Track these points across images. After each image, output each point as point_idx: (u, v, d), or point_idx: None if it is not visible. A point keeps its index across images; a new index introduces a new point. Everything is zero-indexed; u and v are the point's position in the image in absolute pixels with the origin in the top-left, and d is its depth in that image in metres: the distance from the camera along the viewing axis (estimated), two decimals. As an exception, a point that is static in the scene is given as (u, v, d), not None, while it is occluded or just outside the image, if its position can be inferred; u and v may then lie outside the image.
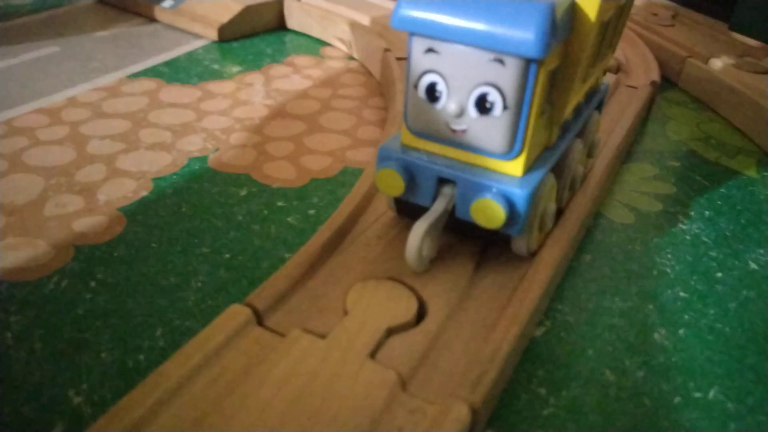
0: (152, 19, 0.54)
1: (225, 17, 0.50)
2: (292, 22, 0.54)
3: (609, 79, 0.41)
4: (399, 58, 0.42)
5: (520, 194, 0.21)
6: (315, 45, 0.52)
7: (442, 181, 0.22)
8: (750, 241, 0.30)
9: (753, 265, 0.28)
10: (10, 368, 0.20)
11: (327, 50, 0.51)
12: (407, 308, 0.21)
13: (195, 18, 0.51)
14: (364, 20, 0.50)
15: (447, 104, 0.21)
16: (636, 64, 0.46)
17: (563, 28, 0.20)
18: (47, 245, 0.26)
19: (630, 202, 0.32)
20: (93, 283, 0.24)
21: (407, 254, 0.22)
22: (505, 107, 0.20)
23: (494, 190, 0.21)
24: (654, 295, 0.26)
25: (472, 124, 0.21)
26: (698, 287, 0.27)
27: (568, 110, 0.23)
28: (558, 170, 0.25)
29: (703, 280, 0.27)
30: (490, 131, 0.21)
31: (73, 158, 0.33)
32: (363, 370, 0.18)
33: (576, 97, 0.24)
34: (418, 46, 0.20)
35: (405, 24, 0.20)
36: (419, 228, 0.21)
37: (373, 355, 0.19)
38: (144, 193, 0.30)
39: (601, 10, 0.21)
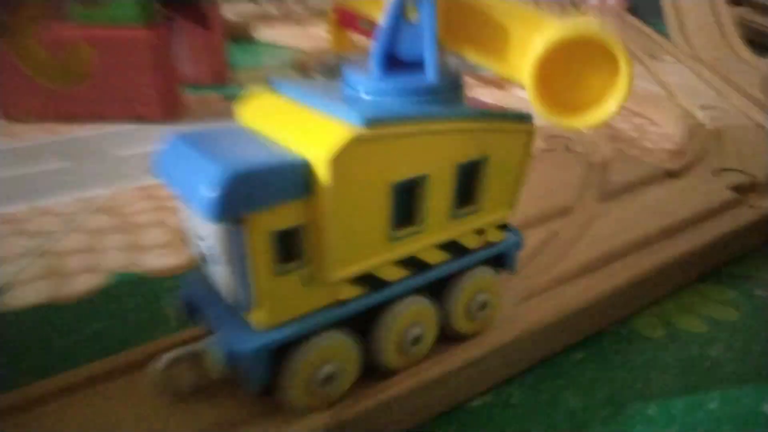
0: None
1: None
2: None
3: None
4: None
5: (240, 349, 0.20)
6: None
7: None
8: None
9: None
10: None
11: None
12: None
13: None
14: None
15: None
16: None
17: (279, 189, 0.18)
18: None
19: (670, 317, 0.32)
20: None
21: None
22: (219, 262, 0.20)
23: (215, 339, 0.21)
24: (615, 403, 0.26)
25: (212, 273, 0.21)
26: (672, 411, 0.26)
27: (342, 270, 0.21)
28: (373, 327, 0.23)
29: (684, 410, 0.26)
30: (222, 283, 0.21)
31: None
32: None
33: (370, 257, 0.22)
34: None
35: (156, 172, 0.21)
36: (167, 355, 0.22)
37: None
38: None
39: (354, 174, 0.19)
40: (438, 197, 0.23)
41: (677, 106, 0.60)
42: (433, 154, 0.22)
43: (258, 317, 0.20)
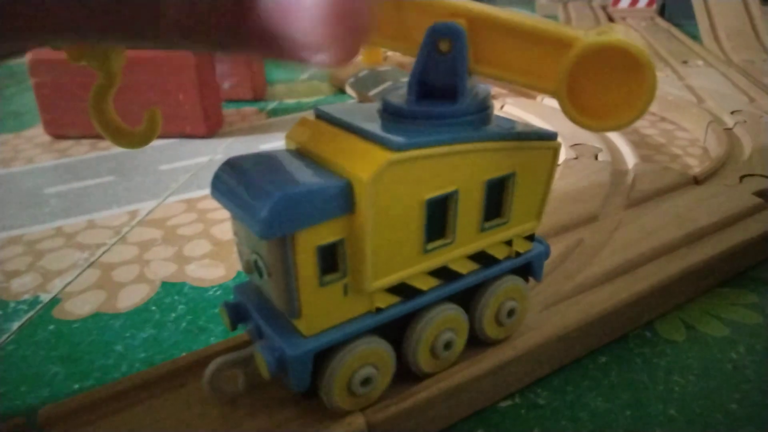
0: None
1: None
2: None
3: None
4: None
5: (288, 353, 0.22)
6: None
7: None
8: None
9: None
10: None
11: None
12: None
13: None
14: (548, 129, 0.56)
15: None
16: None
17: (322, 209, 0.20)
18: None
19: (692, 321, 0.33)
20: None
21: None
22: (269, 273, 0.22)
23: (265, 343, 0.23)
24: (638, 404, 0.27)
25: (262, 283, 0.23)
26: (693, 413, 0.27)
27: (379, 281, 0.23)
28: (407, 333, 0.25)
29: (710, 410, 0.27)
30: (271, 292, 0.23)
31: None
32: None
33: (404, 268, 0.23)
34: None
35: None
36: (216, 361, 0.24)
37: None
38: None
39: (391, 193, 0.21)
40: (468, 211, 0.24)
41: (706, 112, 0.61)
42: (463, 173, 0.23)
43: (304, 324, 0.22)
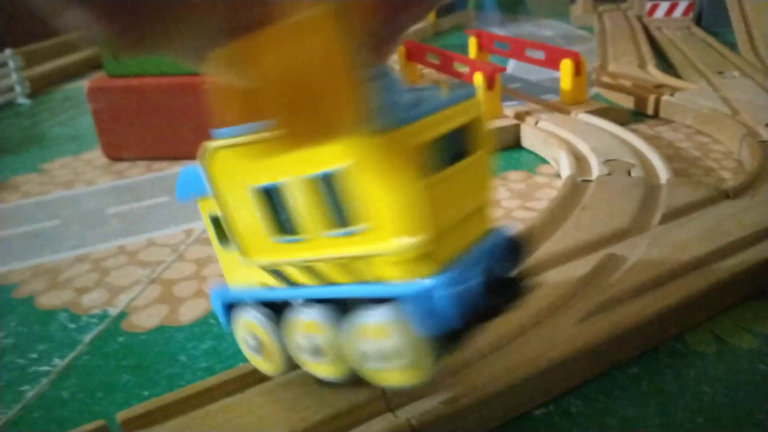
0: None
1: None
2: (525, 142, 0.64)
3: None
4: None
5: (212, 294, 0.30)
6: (536, 162, 0.61)
7: None
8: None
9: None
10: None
11: (543, 168, 0.60)
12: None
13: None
14: (582, 145, 0.58)
15: None
16: None
17: (199, 185, 0.26)
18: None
19: (723, 333, 0.34)
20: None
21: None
22: None
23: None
24: (667, 413, 0.29)
25: None
26: (721, 422, 0.29)
27: (252, 257, 0.25)
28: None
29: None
30: None
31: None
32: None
33: (268, 253, 0.25)
34: None
35: None
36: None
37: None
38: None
39: (227, 178, 0.24)
40: (302, 208, 0.22)
41: (741, 124, 0.61)
42: (284, 165, 0.22)
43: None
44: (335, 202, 0.21)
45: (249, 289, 0.27)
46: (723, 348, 0.33)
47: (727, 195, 0.46)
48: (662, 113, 0.71)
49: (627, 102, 0.75)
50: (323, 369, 0.26)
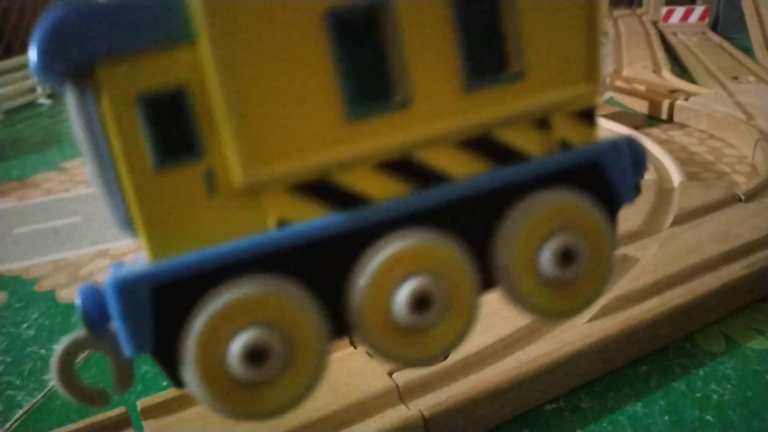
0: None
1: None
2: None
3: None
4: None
5: (108, 282, 0.14)
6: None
7: None
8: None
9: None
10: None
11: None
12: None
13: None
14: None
15: None
16: None
17: (138, 25, 0.13)
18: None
19: (732, 334, 0.34)
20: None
21: None
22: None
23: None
24: (675, 410, 0.29)
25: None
26: (729, 419, 0.29)
27: (267, 165, 0.14)
28: (347, 277, 0.15)
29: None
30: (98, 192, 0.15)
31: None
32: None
33: (316, 146, 0.14)
34: None
35: None
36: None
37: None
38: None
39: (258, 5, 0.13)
40: (428, 48, 0.14)
41: (755, 129, 0.61)
42: None
43: (143, 240, 0.15)
44: (485, 30, 0.14)
45: (248, 241, 0.15)
46: (733, 348, 0.33)
47: (739, 198, 0.46)
48: (676, 118, 0.71)
49: (641, 106, 0.75)
50: (403, 341, 0.16)
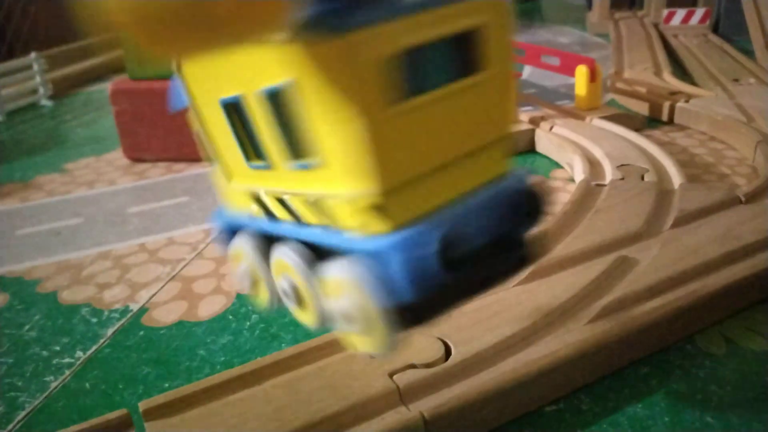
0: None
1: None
2: (540, 147, 0.65)
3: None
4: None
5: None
6: (551, 167, 0.61)
7: None
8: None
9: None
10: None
11: (558, 172, 0.60)
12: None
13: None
14: (596, 151, 0.58)
15: None
16: None
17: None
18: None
19: (733, 335, 0.35)
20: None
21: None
22: None
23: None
24: (676, 412, 0.29)
25: None
26: (729, 421, 0.29)
27: (233, 180, 0.24)
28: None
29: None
30: None
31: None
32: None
33: (246, 177, 0.23)
34: None
35: None
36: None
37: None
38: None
39: (199, 85, 0.22)
40: (263, 130, 0.19)
41: (756, 131, 0.62)
42: (241, 73, 0.18)
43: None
44: (286, 128, 0.18)
45: (238, 215, 0.25)
46: (733, 350, 0.34)
47: (739, 200, 0.46)
48: (677, 120, 0.72)
49: (642, 108, 0.75)
50: (302, 316, 0.23)
